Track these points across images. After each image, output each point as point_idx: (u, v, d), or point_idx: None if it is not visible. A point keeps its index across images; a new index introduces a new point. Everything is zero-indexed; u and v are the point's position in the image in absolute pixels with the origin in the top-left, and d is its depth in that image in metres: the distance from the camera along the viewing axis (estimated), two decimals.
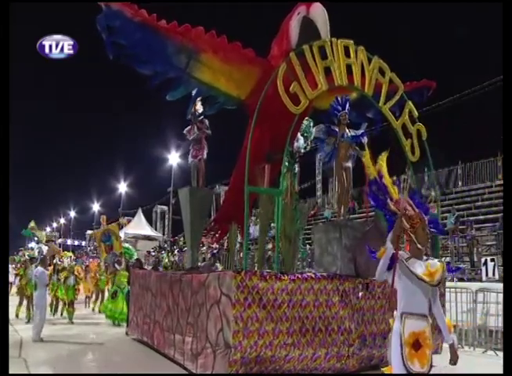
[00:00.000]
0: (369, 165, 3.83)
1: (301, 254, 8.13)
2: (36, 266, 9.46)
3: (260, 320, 5.17)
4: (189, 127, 8.37)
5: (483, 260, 11.22)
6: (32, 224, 22.99)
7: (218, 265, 12.75)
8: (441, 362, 6.81)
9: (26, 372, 6.08)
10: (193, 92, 7.18)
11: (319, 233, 6.82)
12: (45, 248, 18.74)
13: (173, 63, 6.67)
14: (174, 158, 32.11)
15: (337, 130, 6.75)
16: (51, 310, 11.53)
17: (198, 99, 7.64)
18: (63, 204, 60.94)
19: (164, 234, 33.29)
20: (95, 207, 54.95)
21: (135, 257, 12.25)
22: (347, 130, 6.87)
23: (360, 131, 7.01)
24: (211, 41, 6.65)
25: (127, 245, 13.53)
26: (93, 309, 13.32)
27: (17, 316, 10.89)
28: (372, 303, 6.10)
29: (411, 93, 7.41)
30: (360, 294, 5.97)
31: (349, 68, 6.38)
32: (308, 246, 13.40)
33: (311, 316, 5.52)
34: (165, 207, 35.07)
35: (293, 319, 5.39)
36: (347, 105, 6.83)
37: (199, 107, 8.04)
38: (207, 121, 8.53)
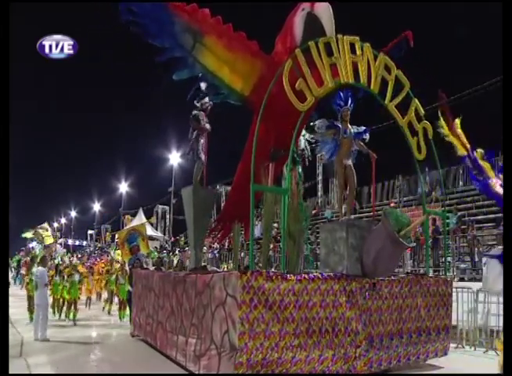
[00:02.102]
0: (454, 140, 3.50)
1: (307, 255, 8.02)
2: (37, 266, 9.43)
3: (266, 322, 5.08)
4: (200, 112, 8.07)
5: (484, 260, 11.18)
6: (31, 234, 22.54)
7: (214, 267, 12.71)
8: (449, 364, 6.81)
9: (26, 372, 6.04)
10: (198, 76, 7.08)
11: (324, 232, 6.74)
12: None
13: (179, 42, 6.61)
14: (174, 158, 32.10)
15: (339, 125, 6.67)
16: (53, 311, 11.43)
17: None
18: (64, 203, 60.79)
19: (164, 234, 33.21)
20: (96, 207, 54.96)
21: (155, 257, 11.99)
22: (349, 126, 6.79)
23: (362, 128, 6.94)
24: (216, 25, 6.62)
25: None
26: (109, 312, 12.74)
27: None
28: (379, 303, 6.02)
29: (391, 51, 7.21)
30: (367, 294, 5.89)
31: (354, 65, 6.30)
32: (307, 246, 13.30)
33: (317, 316, 5.44)
34: (166, 207, 35.03)
35: (300, 320, 5.31)
36: (350, 100, 6.76)
37: (207, 100, 7.91)
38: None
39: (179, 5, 6.41)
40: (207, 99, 7.87)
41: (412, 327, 6.33)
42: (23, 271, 20.14)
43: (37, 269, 9.05)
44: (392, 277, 6.31)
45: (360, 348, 5.75)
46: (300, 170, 7.45)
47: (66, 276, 11.24)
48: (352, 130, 6.79)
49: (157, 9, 6.28)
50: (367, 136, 6.99)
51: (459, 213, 15.36)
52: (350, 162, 6.79)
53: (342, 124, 6.75)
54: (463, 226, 14.51)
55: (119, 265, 13.78)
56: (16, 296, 14.21)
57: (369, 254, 5.95)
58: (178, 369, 6.28)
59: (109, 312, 12.61)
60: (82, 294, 13.38)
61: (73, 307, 10.82)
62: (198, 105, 8.03)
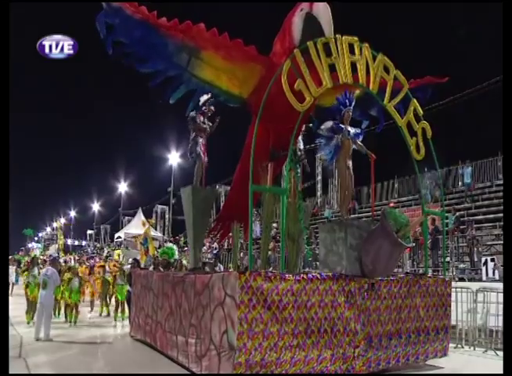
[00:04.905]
0: None
1: (306, 254, 8.02)
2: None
3: (265, 322, 5.09)
4: (197, 113, 8.04)
5: (483, 260, 11.21)
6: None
7: (220, 265, 12.68)
8: (448, 364, 6.83)
9: (26, 372, 6.04)
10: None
11: (323, 232, 6.74)
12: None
13: (174, 62, 6.63)
14: (174, 158, 32.14)
15: (343, 127, 6.66)
16: (54, 313, 11.40)
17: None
18: (64, 203, 60.93)
19: (164, 234, 33.21)
20: (95, 206, 55.02)
21: (176, 256, 11.79)
22: (348, 127, 6.77)
23: (359, 130, 6.92)
24: (213, 38, 6.60)
25: (170, 245, 13.16)
26: (100, 314, 12.55)
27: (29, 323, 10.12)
28: (378, 304, 6.03)
29: (415, 90, 7.31)
30: (366, 294, 5.90)
31: (353, 65, 6.30)
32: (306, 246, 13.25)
33: (316, 317, 5.45)
34: (165, 207, 35.05)
35: (299, 320, 5.32)
36: (353, 102, 6.75)
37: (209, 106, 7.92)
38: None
39: (172, 26, 6.39)
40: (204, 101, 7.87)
41: (411, 327, 6.34)
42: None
43: (47, 268, 9.04)
44: (391, 277, 6.31)
45: (359, 349, 5.76)
46: (298, 170, 7.44)
47: (66, 282, 11.04)
48: (352, 131, 6.77)
49: (148, 33, 6.26)
50: (360, 138, 6.97)
51: (458, 213, 15.39)
52: (350, 163, 6.77)
53: (344, 125, 6.74)
54: (462, 226, 14.53)
55: (113, 264, 13.65)
56: (16, 296, 14.20)
57: (368, 255, 5.96)
58: (179, 369, 6.27)
59: (100, 314, 12.40)
60: (86, 295, 13.24)
61: (74, 311, 10.70)
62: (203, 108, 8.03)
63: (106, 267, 13.35)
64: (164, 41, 6.40)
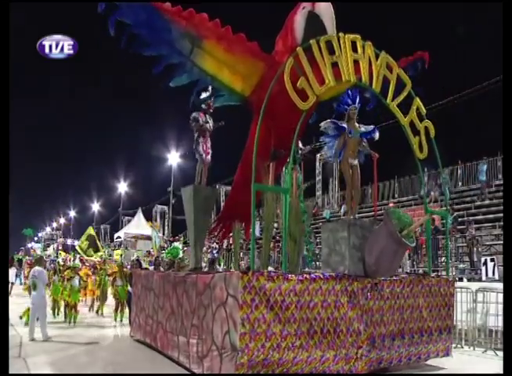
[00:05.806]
0: None
1: (307, 255, 7.97)
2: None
3: (267, 322, 5.04)
4: (199, 113, 8.02)
5: (483, 260, 11.21)
6: None
7: (218, 266, 12.61)
8: (448, 364, 6.80)
9: (26, 372, 6.03)
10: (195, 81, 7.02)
11: (326, 232, 6.69)
12: None
13: (176, 48, 6.57)
14: (174, 158, 32.12)
15: (345, 126, 6.59)
16: (53, 313, 11.35)
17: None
18: (63, 203, 60.98)
19: (164, 234, 33.20)
20: (95, 206, 54.98)
21: (180, 255, 11.75)
22: (356, 125, 6.67)
23: (371, 127, 6.80)
24: (215, 29, 6.57)
25: (176, 244, 13.04)
26: (97, 312, 12.48)
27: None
28: (381, 304, 5.99)
29: (405, 68, 7.24)
30: (369, 294, 5.87)
31: (356, 63, 6.26)
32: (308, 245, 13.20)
33: (319, 317, 5.41)
34: (165, 207, 35.06)
35: (301, 320, 5.27)
36: (358, 98, 6.68)
37: (211, 101, 7.85)
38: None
39: (176, 12, 6.35)
40: (206, 97, 7.80)
41: (414, 328, 6.31)
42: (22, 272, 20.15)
43: (34, 269, 8.96)
44: (394, 277, 6.28)
45: (362, 349, 5.72)
46: (299, 171, 7.40)
47: (65, 280, 11.00)
48: (360, 129, 6.68)
49: (152, 17, 6.22)
50: (376, 135, 6.86)
51: (457, 213, 15.41)
52: (356, 162, 6.66)
53: (349, 124, 6.62)
54: (461, 226, 14.54)
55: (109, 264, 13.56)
56: (16, 296, 14.15)
57: (371, 254, 5.92)
58: (180, 369, 6.24)
59: (97, 312, 12.34)
60: (86, 295, 13.15)
61: (73, 310, 10.64)
62: (203, 106, 7.96)
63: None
64: (166, 27, 6.34)
